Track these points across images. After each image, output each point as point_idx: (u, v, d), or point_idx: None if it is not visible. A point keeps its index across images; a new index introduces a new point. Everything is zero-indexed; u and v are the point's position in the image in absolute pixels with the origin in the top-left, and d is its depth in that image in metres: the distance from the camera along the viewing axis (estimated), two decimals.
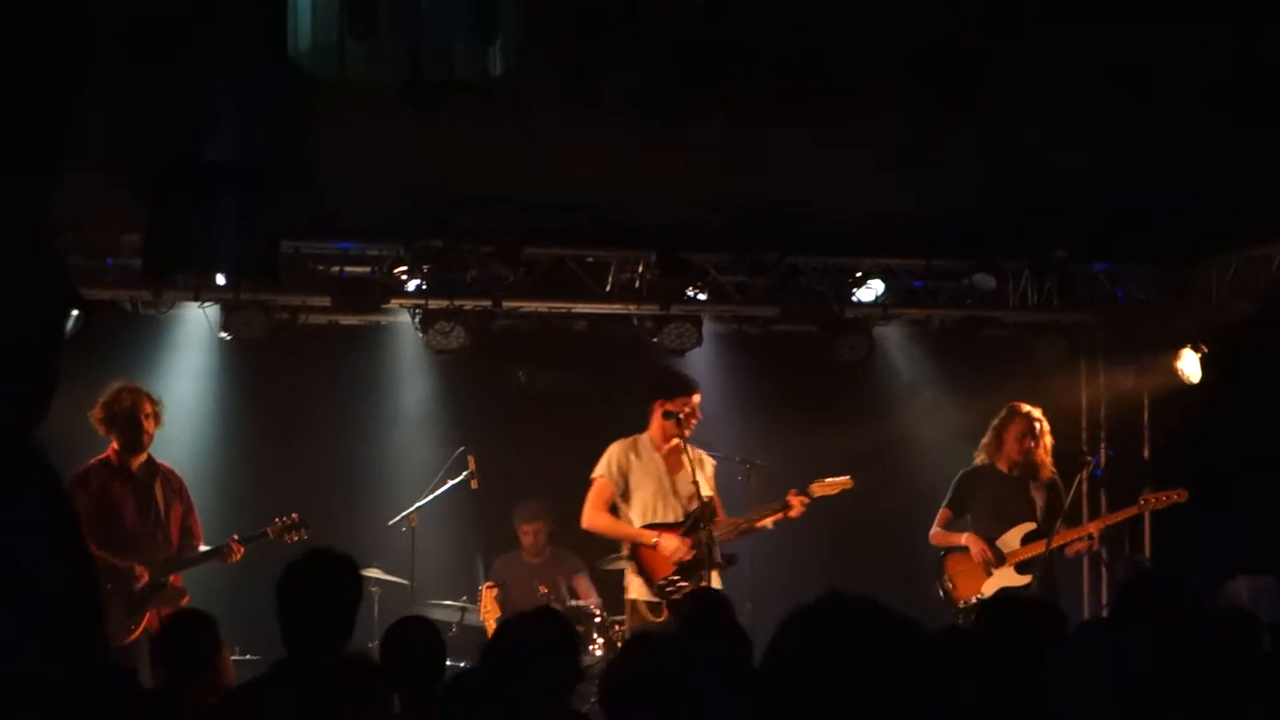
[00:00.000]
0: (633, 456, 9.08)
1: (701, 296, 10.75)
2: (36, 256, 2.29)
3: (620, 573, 9.47)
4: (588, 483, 9.36)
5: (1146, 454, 11.51)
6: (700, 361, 10.66)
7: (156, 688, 5.63)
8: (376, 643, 9.20)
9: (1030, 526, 9.36)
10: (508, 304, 10.59)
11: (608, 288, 10.72)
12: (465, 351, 10.42)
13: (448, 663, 5.70)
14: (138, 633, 8.42)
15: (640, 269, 10.67)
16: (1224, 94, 7.05)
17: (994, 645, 4.64)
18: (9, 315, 2.24)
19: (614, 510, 9.13)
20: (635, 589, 8.96)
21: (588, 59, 6.63)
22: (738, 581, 8.86)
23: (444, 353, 10.45)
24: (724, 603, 6.50)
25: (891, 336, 11.42)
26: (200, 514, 9.03)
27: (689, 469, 8.98)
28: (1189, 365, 10.71)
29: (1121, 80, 6.90)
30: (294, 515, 8.98)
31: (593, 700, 6.55)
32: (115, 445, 8.73)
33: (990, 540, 9.33)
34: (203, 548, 8.87)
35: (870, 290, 10.90)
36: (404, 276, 10.42)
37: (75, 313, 2.42)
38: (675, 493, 8.96)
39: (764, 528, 9.07)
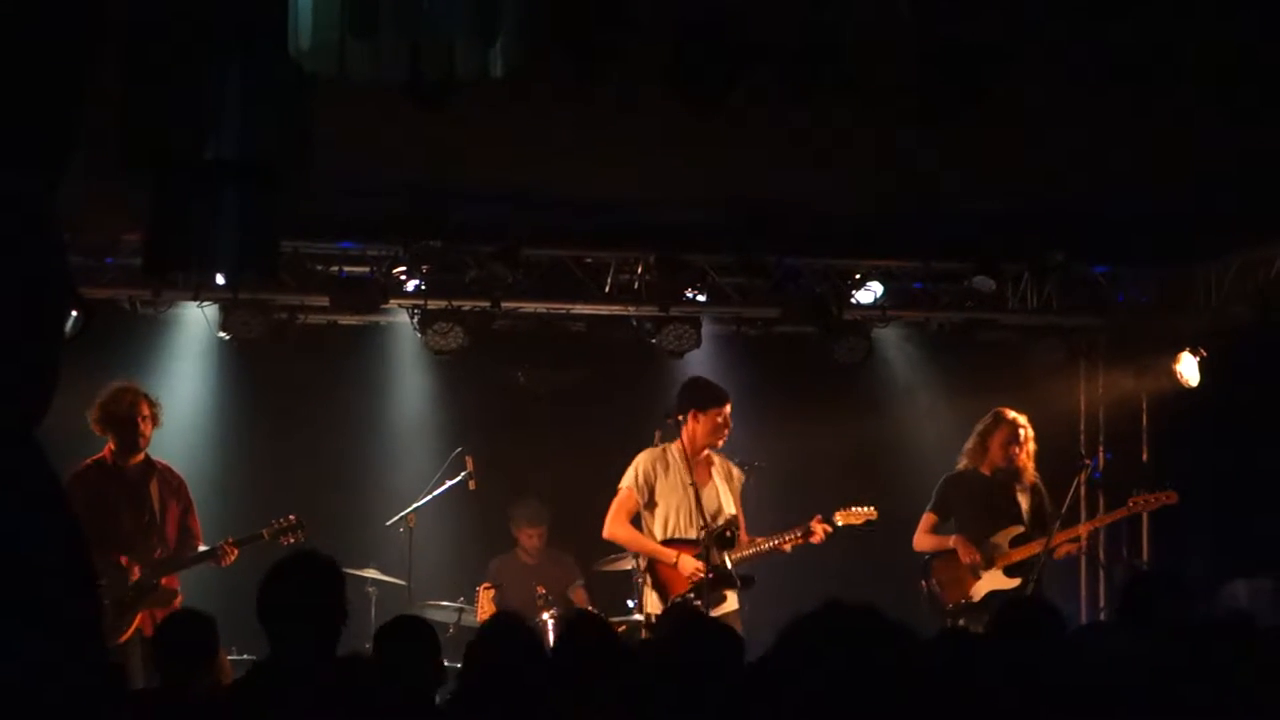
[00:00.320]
0: (660, 467, 8.98)
1: (700, 298, 10.75)
2: (38, 256, 2.29)
3: (618, 574, 9.48)
4: (587, 483, 9.33)
5: (1145, 457, 11.51)
6: (699, 363, 10.65)
7: (153, 688, 5.62)
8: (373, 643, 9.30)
9: (1018, 530, 9.36)
10: (507, 304, 10.59)
11: (607, 289, 10.72)
12: (464, 352, 10.42)
13: (445, 663, 5.68)
14: (128, 634, 8.39)
15: (639, 270, 10.67)
16: (1224, 95, 7.05)
17: (997, 647, 4.64)
18: (10, 314, 2.23)
19: (636, 519, 9.05)
20: (651, 604, 8.89)
21: (588, 60, 6.63)
22: None
23: (443, 353, 10.44)
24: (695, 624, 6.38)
25: (890, 338, 11.42)
26: (199, 513, 9.02)
27: (716, 483, 8.98)
28: (1188, 368, 10.71)
29: (1121, 81, 6.90)
30: (291, 517, 8.91)
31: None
32: (111, 446, 8.72)
33: (978, 544, 9.33)
34: (201, 548, 8.85)
35: (869, 292, 10.90)
36: (403, 277, 10.42)
37: (75, 313, 2.42)
38: (700, 508, 8.85)
39: (784, 550, 9.03)
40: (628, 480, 9.02)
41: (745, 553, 8.87)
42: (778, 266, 10.72)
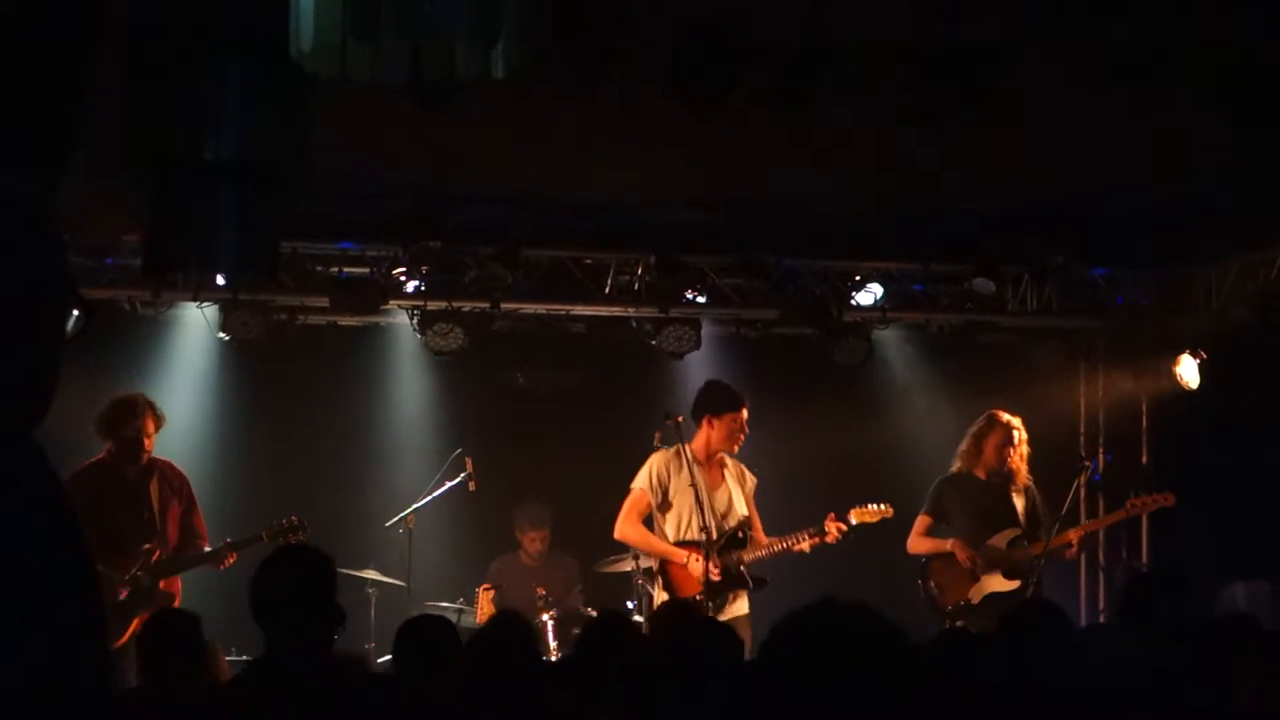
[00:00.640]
0: (673, 468, 8.98)
1: (700, 299, 10.75)
2: (38, 255, 2.29)
3: (618, 575, 9.47)
4: (586, 484, 9.32)
5: (1144, 459, 11.51)
6: (698, 364, 10.65)
7: (135, 687, 5.60)
8: (373, 644, 9.31)
9: (1016, 532, 9.36)
10: (506, 306, 10.58)
11: (606, 290, 10.72)
12: (464, 353, 10.41)
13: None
14: (124, 638, 8.36)
15: (639, 271, 10.67)
16: (1224, 95, 7.05)
17: (1001, 648, 4.64)
18: (10, 314, 2.23)
19: (648, 520, 9.05)
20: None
21: (589, 61, 6.63)
22: None
23: (442, 354, 10.44)
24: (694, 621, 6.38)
25: (890, 340, 11.42)
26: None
27: (728, 485, 8.97)
28: (1188, 371, 10.71)
29: (1121, 81, 6.91)
30: (293, 518, 8.87)
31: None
32: (111, 449, 8.70)
33: (974, 546, 9.32)
34: (206, 547, 8.83)
35: (869, 294, 10.90)
36: (403, 277, 10.42)
37: (75, 313, 2.41)
38: (712, 509, 8.86)
39: (800, 551, 9.00)
40: (641, 481, 9.01)
41: (760, 553, 8.88)
42: (777, 268, 10.72)
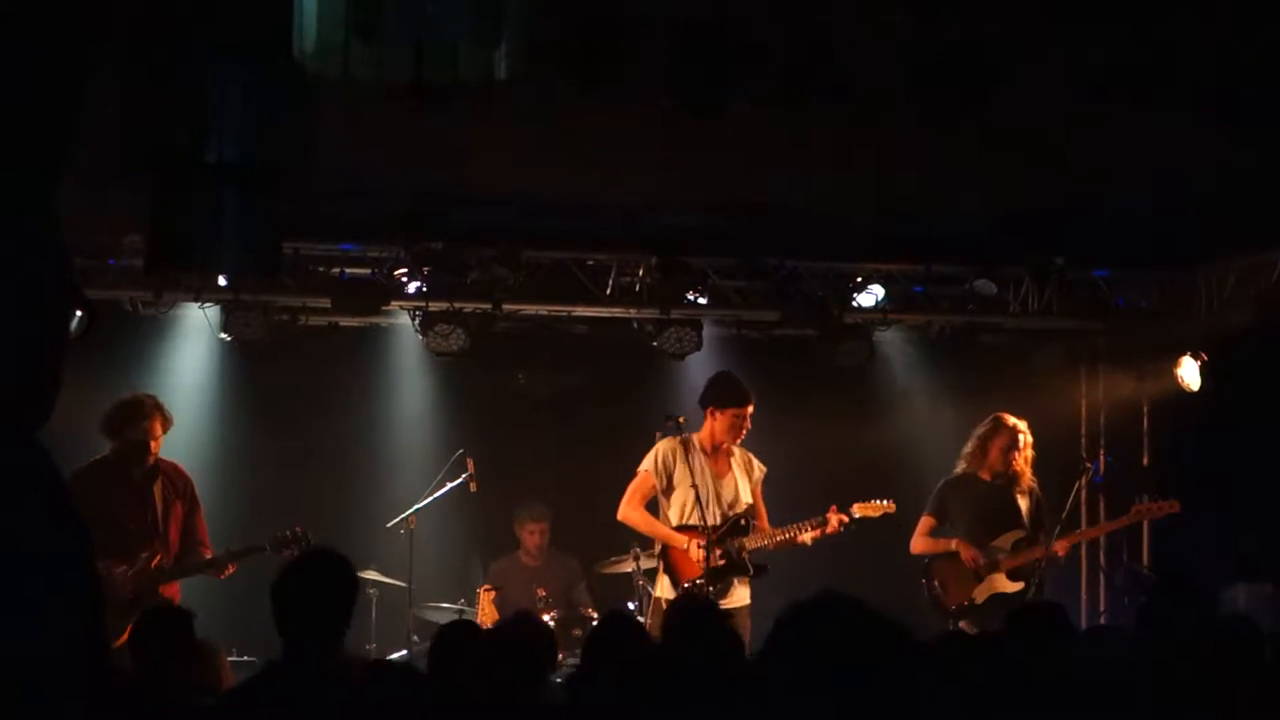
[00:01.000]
0: (680, 454, 9.02)
1: (701, 300, 10.75)
2: (42, 256, 2.29)
3: (618, 576, 9.48)
4: (587, 485, 9.32)
5: (1145, 461, 11.51)
6: (700, 365, 10.65)
7: (129, 680, 5.59)
8: (373, 645, 9.31)
9: (1020, 534, 9.35)
10: (508, 307, 10.59)
11: (608, 291, 10.72)
12: (465, 354, 10.42)
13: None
14: (124, 638, 8.34)
15: (640, 272, 10.67)
16: (1224, 96, 7.05)
17: (1004, 648, 4.65)
18: (14, 314, 2.23)
19: (653, 505, 9.08)
20: (662, 588, 8.93)
21: (590, 63, 6.64)
22: None
23: (444, 355, 10.45)
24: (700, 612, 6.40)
25: (891, 342, 11.42)
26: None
27: (734, 474, 9.00)
28: (1189, 373, 10.71)
29: (1122, 84, 6.91)
30: (296, 529, 8.64)
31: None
32: (116, 449, 8.69)
33: (979, 548, 9.32)
34: (207, 554, 8.80)
35: (870, 295, 10.89)
36: (404, 278, 10.42)
37: (79, 313, 2.42)
38: (717, 496, 8.91)
39: (804, 543, 9.02)
40: (646, 464, 9.05)
41: (763, 542, 8.92)
42: (779, 269, 10.72)
